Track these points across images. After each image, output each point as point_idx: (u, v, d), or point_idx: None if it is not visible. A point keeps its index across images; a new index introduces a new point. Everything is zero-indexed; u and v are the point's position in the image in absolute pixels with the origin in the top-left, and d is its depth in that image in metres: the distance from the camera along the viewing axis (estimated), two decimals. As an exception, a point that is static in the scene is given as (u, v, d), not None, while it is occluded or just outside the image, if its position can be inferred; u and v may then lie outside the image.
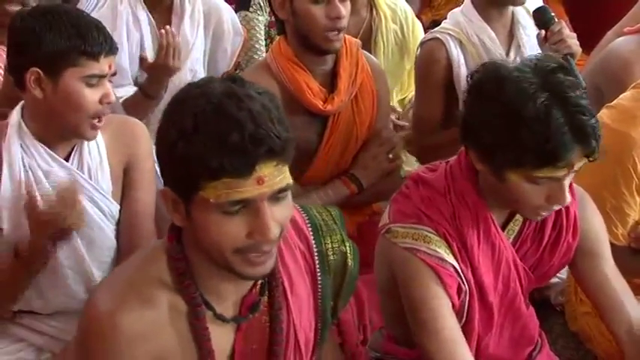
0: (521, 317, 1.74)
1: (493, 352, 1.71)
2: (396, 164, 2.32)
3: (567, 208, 1.68)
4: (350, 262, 1.47)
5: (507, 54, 2.47)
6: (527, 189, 1.52)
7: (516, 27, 2.48)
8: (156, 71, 2.54)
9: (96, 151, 1.87)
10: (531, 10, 2.43)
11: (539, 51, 2.35)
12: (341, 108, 2.20)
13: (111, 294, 1.31)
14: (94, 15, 2.77)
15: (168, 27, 2.52)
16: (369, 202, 2.38)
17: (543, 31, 2.31)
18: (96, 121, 1.79)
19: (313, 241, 1.45)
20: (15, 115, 1.82)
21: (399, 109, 2.95)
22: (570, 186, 1.62)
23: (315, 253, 1.45)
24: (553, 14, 2.35)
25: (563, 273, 2.18)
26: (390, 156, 2.28)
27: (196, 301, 1.32)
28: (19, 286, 1.83)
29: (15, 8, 2.24)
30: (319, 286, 1.45)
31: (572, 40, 2.27)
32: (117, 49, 1.80)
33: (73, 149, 1.85)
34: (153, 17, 2.70)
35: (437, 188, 1.62)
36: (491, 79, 1.52)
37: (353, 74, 2.20)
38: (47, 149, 1.82)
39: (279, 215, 1.25)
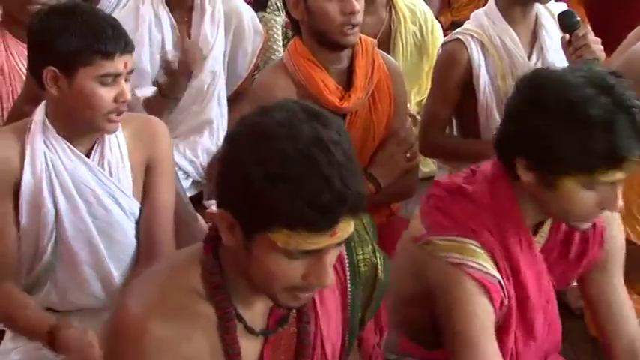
0: (557, 331, 1.71)
1: None
2: (414, 163, 2.29)
3: (594, 222, 1.63)
4: (381, 273, 1.45)
5: (529, 57, 2.43)
6: (580, 196, 1.49)
7: (539, 29, 2.44)
8: (177, 76, 2.53)
9: (117, 148, 1.86)
10: (556, 13, 2.39)
11: (563, 55, 2.33)
12: (358, 105, 2.17)
13: (143, 299, 1.29)
14: (114, 15, 2.83)
15: (190, 41, 2.52)
16: (387, 202, 2.35)
17: (567, 35, 2.26)
18: (114, 116, 1.78)
19: (345, 252, 1.43)
20: (39, 112, 1.83)
21: (417, 117, 2.92)
22: None
23: (347, 264, 1.43)
24: (578, 18, 2.30)
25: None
26: (408, 155, 2.24)
27: (229, 316, 1.30)
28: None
29: (37, 7, 2.24)
30: (349, 297, 1.43)
31: (597, 46, 2.22)
32: (133, 47, 1.79)
33: (94, 146, 1.85)
34: (174, 18, 2.71)
35: (481, 202, 1.58)
36: (550, 84, 1.49)
37: (369, 72, 2.18)
38: (69, 145, 1.82)
39: (334, 256, 1.25)
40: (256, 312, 1.34)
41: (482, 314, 1.54)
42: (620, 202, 1.51)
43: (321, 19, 2.07)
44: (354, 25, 2.07)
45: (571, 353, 1.90)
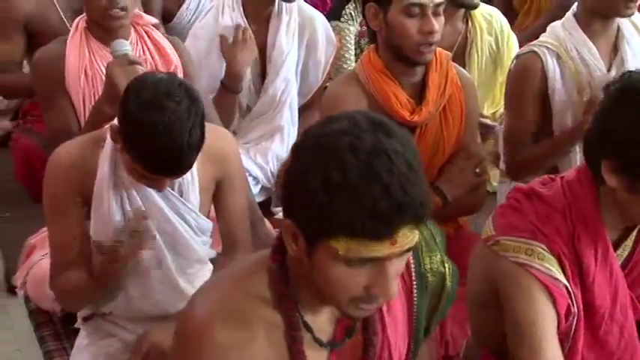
0: (637, 353, 1.63)
1: None
2: (483, 179, 2.22)
3: None
4: (448, 283, 1.41)
5: (609, 69, 2.32)
6: None
7: (621, 42, 2.33)
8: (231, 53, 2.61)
9: None
10: (639, 24, 2.30)
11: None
12: (428, 119, 2.12)
13: (207, 305, 1.27)
14: (195, 25, 2.85)
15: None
16: (454, 216, 2.30)
17: None
18: None
19: (412, 261, 1.38)
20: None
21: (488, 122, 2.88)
22: None
23: (414, 273, 1.38)
24: None
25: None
26: (477, 170, 2.18)
27: (296, 325, 1.27)
28: (97, 296, 1.86)
29: (116, 10, 2.24)
30: (415, 305, 1.39)
31: None
32: (185, 171, 1.73)
33: None
34: (251, 28, 2.74)
35: (555, 206, 1.53)
36: (638, 84, 1.46)
37: (442, 86, 2.12)
38: None
39: (399, 267, 1.22)
40: (323, 321, 1.31)
41: (546, 319, 1.50)
42: None
43: (398, 34, 2.03)
44: (430, 44, 2.03)
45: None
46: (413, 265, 1.38)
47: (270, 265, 1.29)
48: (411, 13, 2.01)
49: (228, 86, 2.68)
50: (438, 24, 2.03)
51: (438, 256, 1.40)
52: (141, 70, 2.09)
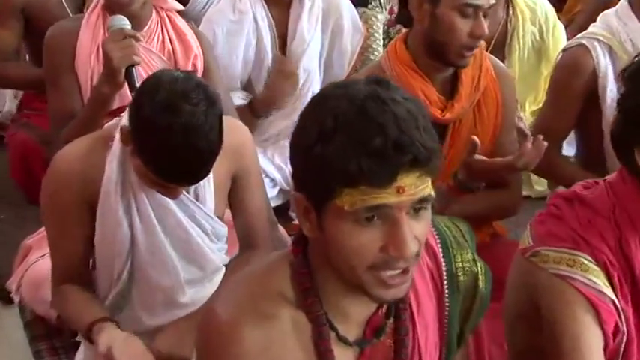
0: None
1: None
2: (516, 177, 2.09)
3: None
4: (481, 284, 1.36)
5: None
6: None
7: None
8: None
9: None
10: None
11: None
12: (461, 115, 2.00)
13: (232, 305, 1.25)
14: (210, 10, 2.74)
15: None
16: (488, 217, 2.17)
17: None
18: None
19: (443, 260, 1.34)
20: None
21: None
22: None
23: (444, 273, 1.34)
24: None
25: None
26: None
27: (320, 321, 1.24)
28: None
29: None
30: (446, 307, 1.35)
31: None
32: (199, 180, 1.66)
33: None
34: (271, 14, 2.67)
35: (597, 209, 1.45)
36: None
37: (476, 78, 2.00)
38: None
39: (418, 231, 1.17)
40: (351, 322, 1.27)
41: (591, 333, 1.42)
42: None
43: (446, 31, 1.91)
44: (473, 48, 1.94)
45: None
46: (444, 265, 1.34)
47: (291, 259, 1.26)
48: (464, 12, 1.90)
49: (256, 109, 2.62)
50: (485, 26, 1.93)
51: (469, 253, 1.36)
52: (136, 44, 2.04)
